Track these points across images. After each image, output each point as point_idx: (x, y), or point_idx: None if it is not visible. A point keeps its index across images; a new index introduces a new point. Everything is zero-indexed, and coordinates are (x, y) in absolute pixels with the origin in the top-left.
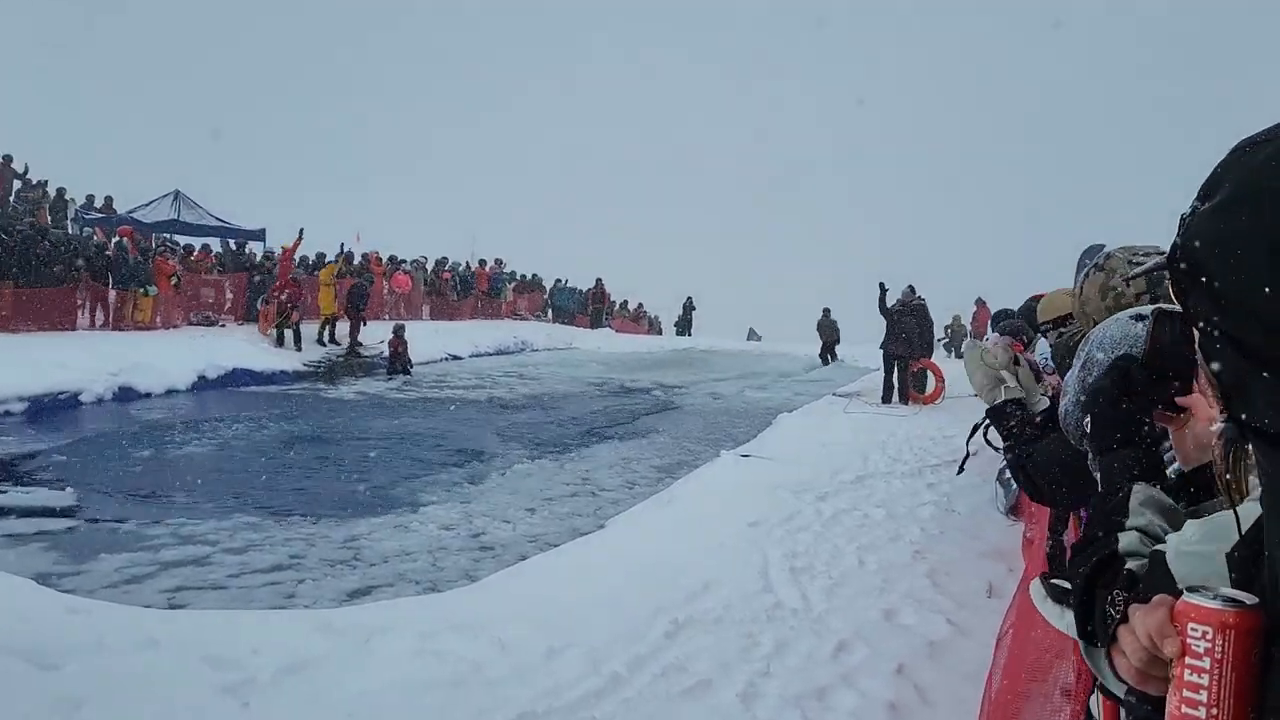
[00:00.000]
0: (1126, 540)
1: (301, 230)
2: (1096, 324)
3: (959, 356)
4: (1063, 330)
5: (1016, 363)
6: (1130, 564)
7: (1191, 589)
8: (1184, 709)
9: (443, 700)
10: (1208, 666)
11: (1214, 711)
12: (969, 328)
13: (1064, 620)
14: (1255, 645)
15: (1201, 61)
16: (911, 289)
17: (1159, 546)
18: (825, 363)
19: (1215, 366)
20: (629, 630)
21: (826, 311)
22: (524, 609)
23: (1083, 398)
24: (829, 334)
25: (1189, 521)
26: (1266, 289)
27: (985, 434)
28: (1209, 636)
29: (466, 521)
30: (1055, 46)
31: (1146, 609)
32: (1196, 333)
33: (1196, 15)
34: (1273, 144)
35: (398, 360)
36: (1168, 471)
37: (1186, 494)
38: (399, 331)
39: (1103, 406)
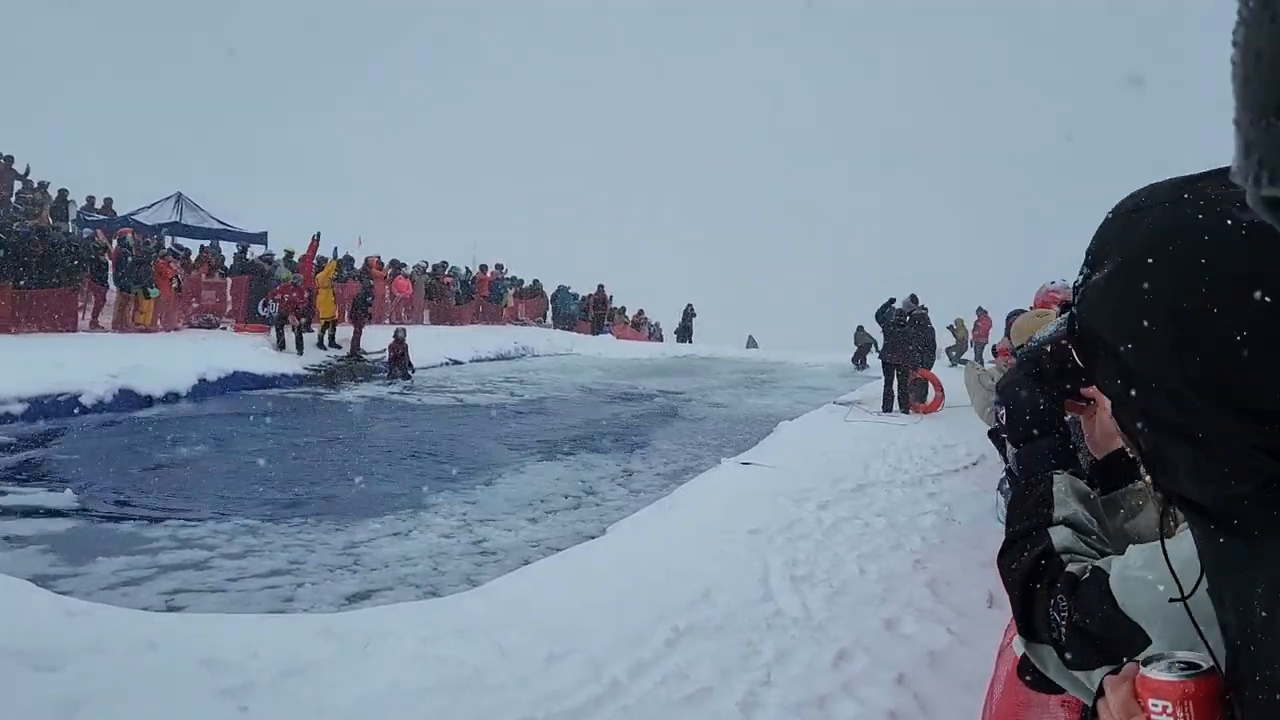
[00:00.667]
0: (1060, 537)
1: (317, 235)
2: None
3: (964, 362)
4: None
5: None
6: (1071, 566)
7: (1149, 660)
8: None
9: (442, 705)
10: None
11: None
12: (970, 335)
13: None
14: (1217, 708)
15: (1207, 62)
16: (914, 298)
17: (1099, 563)
18: (858, 367)
19: (1133, 438)
20: (630, 636)
21: (861, 327)
22: (525, 614)
23: (996, 392)
24: (862, 339)
25: (1132, 547)
26: (1169, 361)
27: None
28: (1169, 711)
29: (467, 527)
30: (1063, 47)
31: (1113, 684)
32: (1110, 403)
33: (1200, 15)
34: (1154, 210)
35: (398, 365)
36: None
37: (1100, 480)
38: (400, 336)
39: (1017, 397)
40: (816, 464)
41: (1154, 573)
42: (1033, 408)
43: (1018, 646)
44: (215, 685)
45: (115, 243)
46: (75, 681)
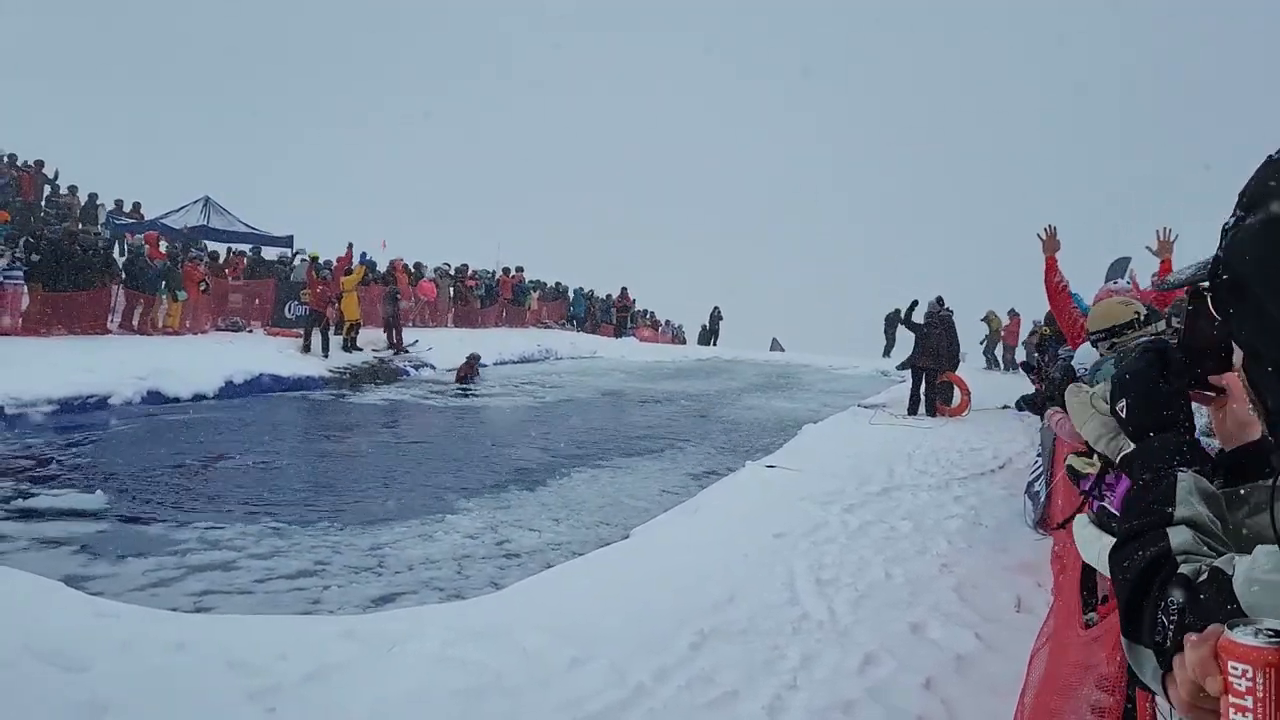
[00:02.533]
0: (1179, 538)
1: (350, 245)
2: None
3: (995, 365)
4: (1115, 341)
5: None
6: (1184, 568)
7: (1233, 624)
8: None
9: (466, 708)
10: (1250, 705)
11: None
12: (1002, 333)
13: (1097, 546)
14: None
15: (1222, 62)
16: (940, 300)
17: (1218, 563)
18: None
19: (1261, 396)
20: (653, 640)
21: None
22: (548, 617)
23: (1115, 383)
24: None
25: (1260, 548)
26: None
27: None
28: (1249, 675)
29: (491, 529)
30: (1083, 53)
31: (1194, 642)
32: (1242, 358)
33: (1217, 14)
34: None
35: (464, 382)
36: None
37: (1225, 475)
38: (472, 361)
39: (1140, 389)
40: (841, 467)
41: None
42: (1157, 400)
43: (1079, 523)
44: (243, 687)
45: (128, 245)
46: (104, 681)
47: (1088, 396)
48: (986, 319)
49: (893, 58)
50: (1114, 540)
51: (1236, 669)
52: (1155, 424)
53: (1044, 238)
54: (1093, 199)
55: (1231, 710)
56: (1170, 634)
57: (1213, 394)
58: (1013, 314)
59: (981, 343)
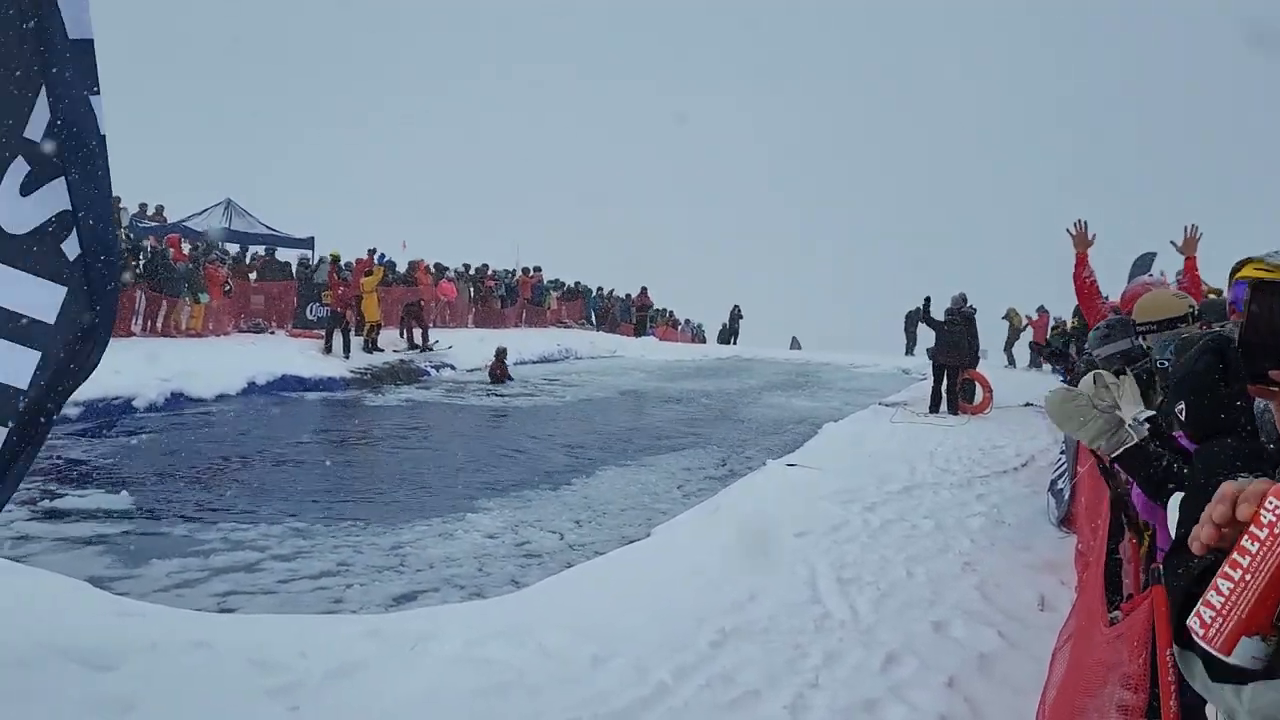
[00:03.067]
0: None
1: (372, 250)
2: None
3: (1014, 363)
4: (1167, 334)
5: (1120, 374)
6: None
7: None
8: (1226, 568)
9: (488, 707)
10: (1263, 537)
11: (1248, 577)
12: (1021, 330)
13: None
14: None
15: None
16: (963, 297)
17: None
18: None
19: None
20: (674, 639)
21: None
22: (569, 616)
23: (1174, 384)
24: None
25: None
26: None
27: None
28: (1277, 510)
29: (512, 529)
30: (1109, 46)
31: (1259, 482)
32: None
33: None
34: None
35: (497, 379)
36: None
37: None
38: (500, 356)
39: (1200, 389)
40: (862, 466)
41: None
42: (1218, 401)
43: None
44: (266, 685)
45: (150, 248)
46: (130, 680)
47: (1085, 400)
48: (1007, 316)
49: (914, 53)
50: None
51: (1272, 503)
52: (1215, 426)
53: (1074, 233)
54: (1116, 195)
55: (1245, 538)
56: None
57: (1276, 389)
58: (1041, 311)
59: (1017, 341)
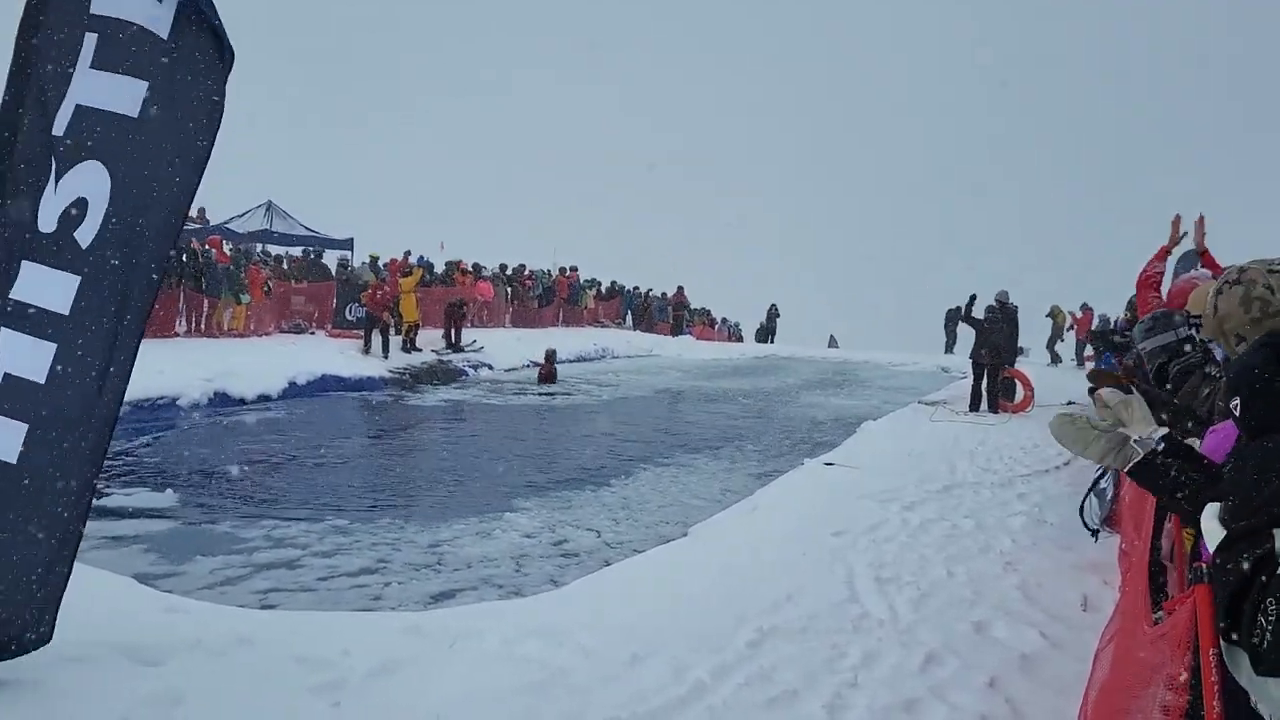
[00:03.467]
0: None
1: (407, 252)
2: (1240, 339)
3: (1056, 361)
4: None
5: (1129, 392)
6: None
7: None
8: None
9: (528, 705)
10: None
11: None
12: (1066, 328)
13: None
14: None
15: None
16: (1005, 294)
17: None
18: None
19: None
20: (712, 638)
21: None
22: (607, 615)
23: (1229, 380)
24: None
25: None
26: None
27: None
28: None
29: (549, 529)
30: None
31: None
32: None
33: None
34: None
35: (546, 379)
36: None
37: None
38: (550, 357)
39: (1257, 385)
40: (901, 465)
41: None
42: (1273, 398)
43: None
44: (308, 682)
45: (201, 251)
46: (176, 676)
47: (1084, 421)
48: (1051, 314)
49: (955, 51)
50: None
51: None
52: (1270, 423)
53: (1174, 226)
54: (1163, 194)
55: None
56: (1268, 636)
57: None
58: (1085, 308)
59: (1061, 340)
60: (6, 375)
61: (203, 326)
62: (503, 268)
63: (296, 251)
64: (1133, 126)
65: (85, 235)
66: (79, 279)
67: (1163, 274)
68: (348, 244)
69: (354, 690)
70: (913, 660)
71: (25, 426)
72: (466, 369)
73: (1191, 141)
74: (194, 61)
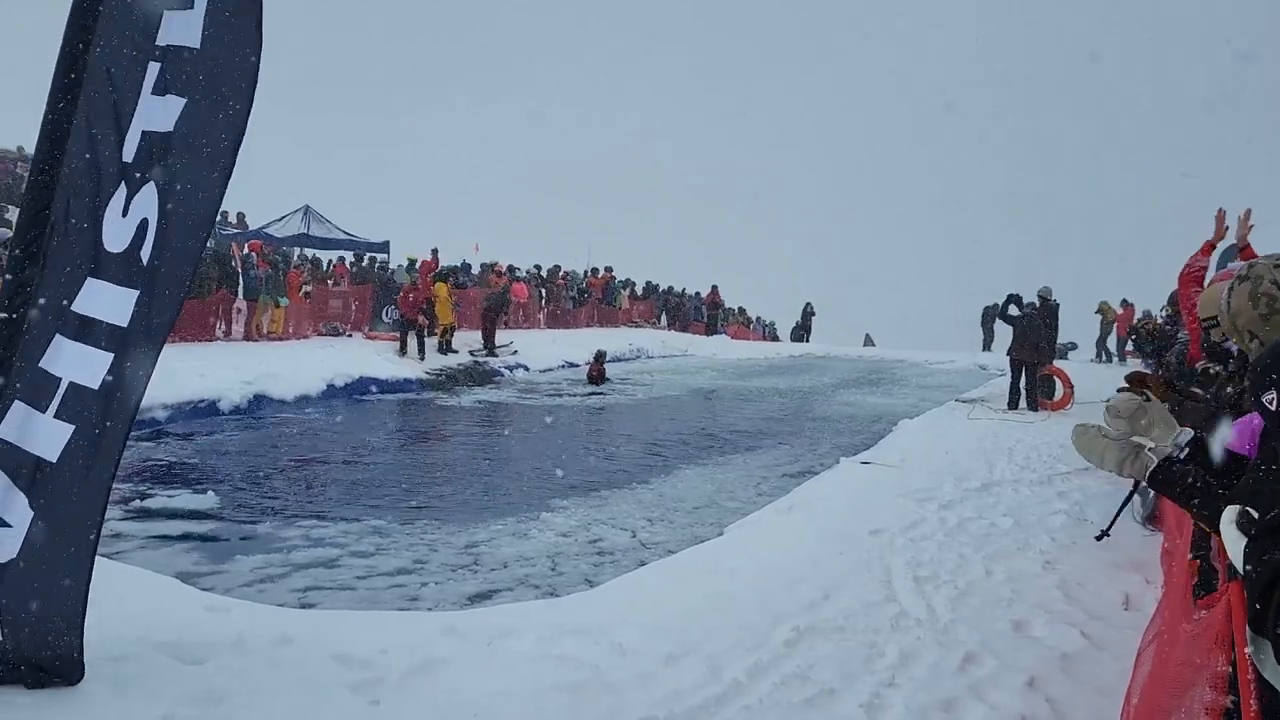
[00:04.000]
0: None
1: (435, 250)
2: (1253, 335)
3: (1107, 358)
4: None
5: (1148, 399)
6: None
7: None
8: None
9: (565, 703)
10: None
11: None
12: (1113, 322)
13: (1237, 547)
14: None
15: None
16: (1048, 290)
17: None
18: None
19: None
20: (749, 637)
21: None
22: (643, 614)
23: (1260, 374)
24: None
25: None
26: None
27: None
28: None
29: (585, 528)
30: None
31: None
32: None
33: None
34: None
35: (596, 380)
36: None
37: None
38: (600, 358)
39: None
40: (939, 463)
41: None
42: None
43: (1225, 518)
44: (347, 679)
45: (242, 255)
46: (218, 674)
47: (1095, 430)
48: (1100, 310)
49: (991, 49)
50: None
51: None
52: None
53: (1219, 221)
54: (1201, 190)
55: None
56: None
57: None
58: (1125, 304)
59: (1111, 335)
60: (71, 384)
61: (241, 330)
62: (537, 268)
63: (335, 255)
64: (1180, 120)
65: (145, 252)
66: (137, 292)
67: (1206, 269)
68: (384, 247)
69: (392, 688)
70: (951, 660)
71: (72, 428)
72: (502, 370)
73: (1241, 132)
74: (225, 71)
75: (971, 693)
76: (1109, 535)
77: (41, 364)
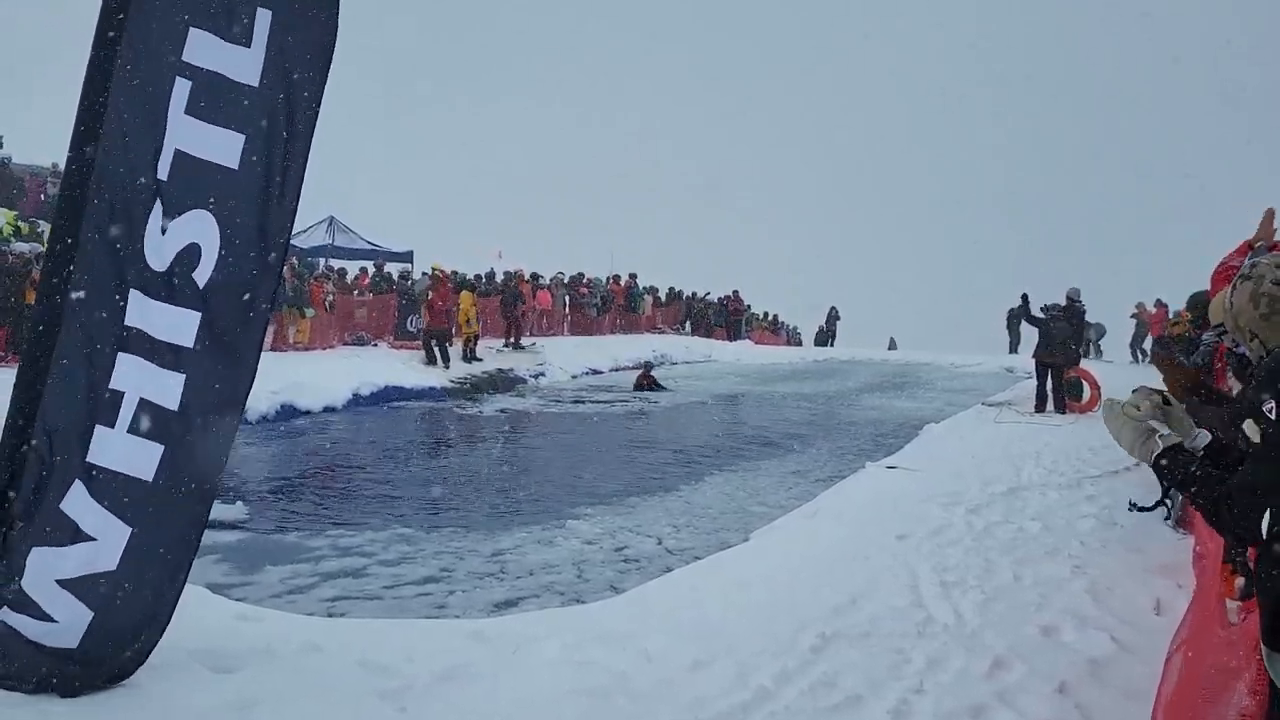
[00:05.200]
0: None
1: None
2: (1254, 335)
3: (1144, 357)
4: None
5: (1167, 403)
6: None
7: None
8: None
9: (591, 709)
10: None
11: None
12: (1148, 324)
13: None
14: None
15: None
16: (1076, 291)
17: None
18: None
19: None
20: (775, 644)
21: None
22: (668, 621)
23: (1265, 378)
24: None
25: None
26: None
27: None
28: None
29: (610, 535)
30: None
31: None
32: None
33: None
34: None
35: (644, 388)
36: None
37: None
38: (648, 368)
39: None
40: (965, 467)
41: None
42: None
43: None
44: (375, 687)
45: None
46: (250, 682)
47: (1119, 407)
48: (1135, 313)
49: (1008, 48)
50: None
51: None
52: None
53: (1268, 220)
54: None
55: None
56: None
57: None
58: (1159, 304)
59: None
60: (142, 400)
61: (269, 341)
62: (561, 275)
63: (361, 265)
64: (1180, 120)
65: (201, 276)
66: (199, 314)
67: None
68: (408, 256)
69: (419, 695)
70: (979, 665)
71: (161, 448)
72: (526, 377)
73: (1241, 133)
74: (286, 106)
75: (1000, 699)
76: (1145, 510)
77: (111, 384)
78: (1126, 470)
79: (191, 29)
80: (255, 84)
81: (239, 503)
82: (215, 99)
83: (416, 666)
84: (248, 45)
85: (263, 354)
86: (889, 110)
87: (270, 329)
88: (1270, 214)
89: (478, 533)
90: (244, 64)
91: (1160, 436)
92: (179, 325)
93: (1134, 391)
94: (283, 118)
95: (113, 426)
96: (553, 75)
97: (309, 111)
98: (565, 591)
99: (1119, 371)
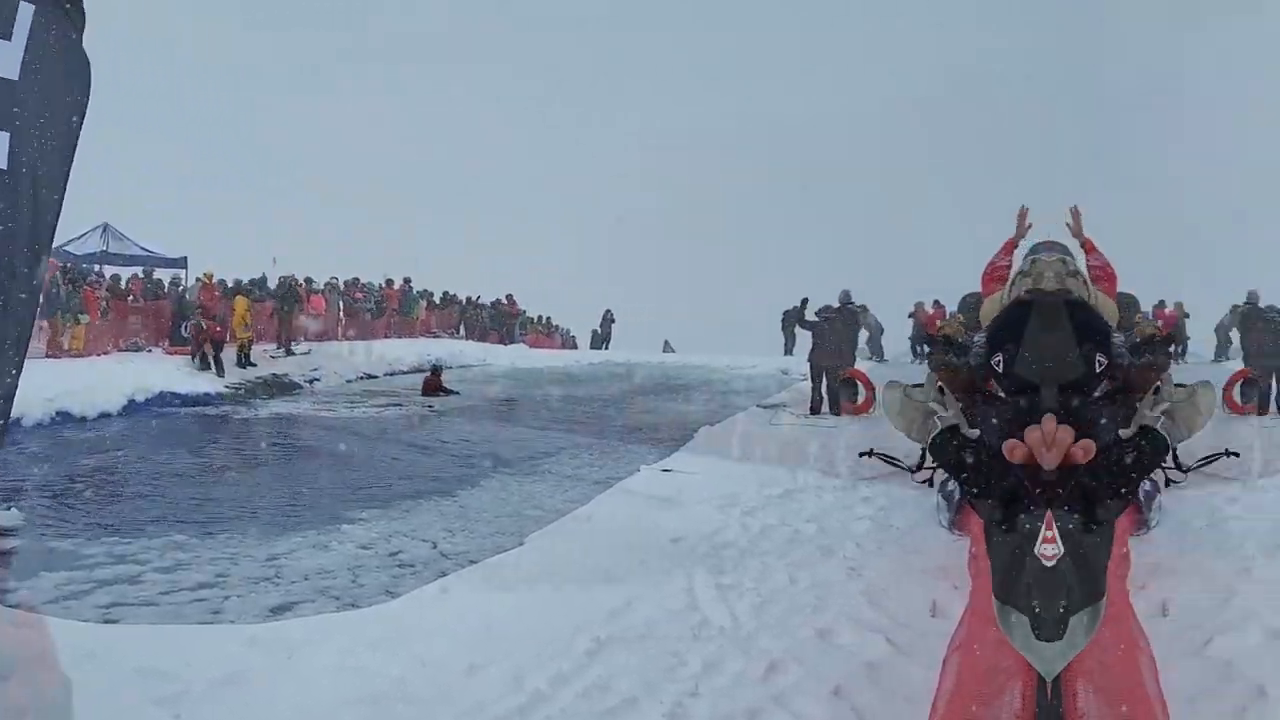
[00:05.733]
0: None
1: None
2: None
3: (923, 355)
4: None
5: (942, 392)
6: None
7: None
8: None
9: (367, 715)
10: None
11: None
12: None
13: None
14: None
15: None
16: (848, 294)
17: None
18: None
19: None
20: (550, 647)
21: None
22: (444, 625)
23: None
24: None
25: None
26: None
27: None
28: None
29: (385, 539)
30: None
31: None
32: None
33: None
34: None
35: (433, 391)
36: None
37: None
38: (436, 371)
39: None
40: (741, 469)
41: None
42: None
43: None
44: (151, 694)
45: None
46: (23, 690)
47: (900, 390)
48: (914, 313)
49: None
50: None
51: None
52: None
53: (1020, 218)
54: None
55: None
56: None
57: None
58: (936, 304)
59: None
60: None
61: (43, 348)
62: (335, 280)
63: (134, 271)
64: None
65: None
66: None
67: (1009, 268)
68: (181, 262)
69: (195, 701)
70: (755, 669)
71: None
72: (301, 382)
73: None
74: (51, 98)
75: (776, 702)
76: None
77: None
78: (903, 472)
79: None
80: (15, 78)
81: (12, 510)
82: None
83: (193, 672)
84: (8, 39)
85: (38, 361)
86: (668, 105)
87: (44, 336)
88: (1024, 211)
89: (253, 537)
90: (4, 58)
91: (939, 418)
92: None
93: (925, 379)
94: (47, 115)
95: None
96: (342, 75)
97: (77, 102)
98: (340, 596)
99: (896, 372)
